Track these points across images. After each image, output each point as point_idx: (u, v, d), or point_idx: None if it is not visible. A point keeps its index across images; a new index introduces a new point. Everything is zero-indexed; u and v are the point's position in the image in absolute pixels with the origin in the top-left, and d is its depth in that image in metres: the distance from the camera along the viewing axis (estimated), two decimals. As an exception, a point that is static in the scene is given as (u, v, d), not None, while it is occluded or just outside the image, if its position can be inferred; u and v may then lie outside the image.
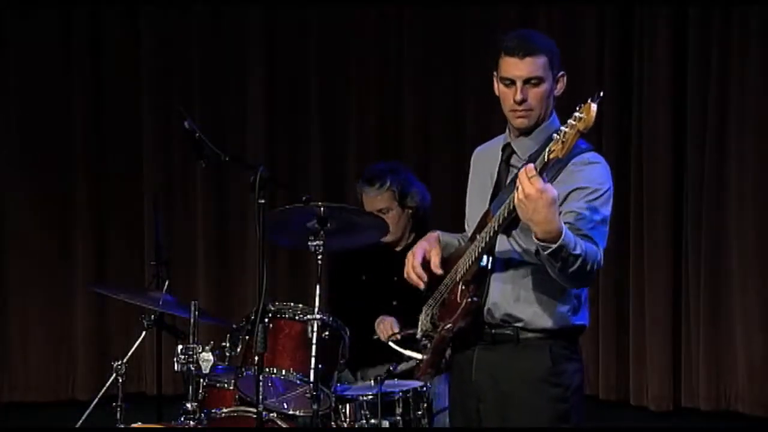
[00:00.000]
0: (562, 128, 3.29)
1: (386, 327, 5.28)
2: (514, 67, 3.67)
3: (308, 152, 7.33)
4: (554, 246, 3.40)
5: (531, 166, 3.38)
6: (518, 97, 3.66)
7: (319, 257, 4.67)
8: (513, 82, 3.68)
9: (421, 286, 3.79)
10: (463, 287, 3.64)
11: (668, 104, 6.77)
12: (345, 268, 5.58)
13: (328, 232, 4.68)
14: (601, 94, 3.24)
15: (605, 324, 6.88)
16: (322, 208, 4.67)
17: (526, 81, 3.67)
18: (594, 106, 3.23)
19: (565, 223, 3.49)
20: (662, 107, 6.77)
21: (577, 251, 3.43)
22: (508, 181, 3.72)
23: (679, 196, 6.80)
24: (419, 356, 3.85)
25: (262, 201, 4.36)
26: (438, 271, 3.76)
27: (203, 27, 7.39)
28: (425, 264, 3.80)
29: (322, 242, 4.64)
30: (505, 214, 3.50)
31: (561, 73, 3.72)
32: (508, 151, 3.80)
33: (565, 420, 3.68)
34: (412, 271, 3.80)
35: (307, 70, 7.33)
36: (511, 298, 3.67)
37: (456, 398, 3.88)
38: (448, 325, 3.67)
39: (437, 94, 7.25)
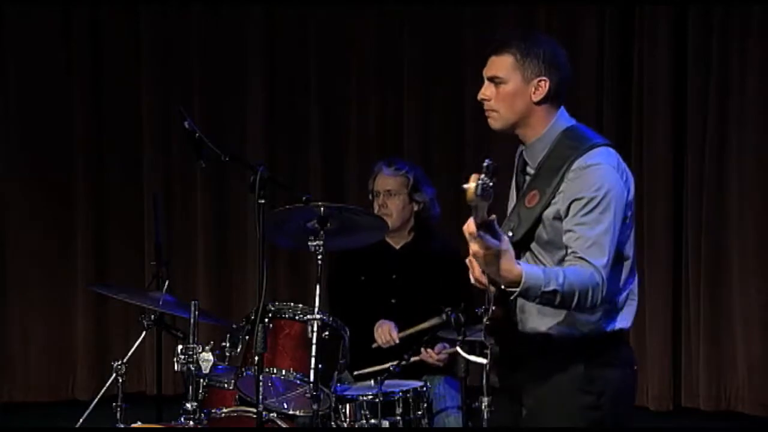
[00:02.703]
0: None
1: (384, 332, 5.28)
2: (486, 65, 3.65)
3: (308, 152, 7.34)
4: (518, 290, 3.35)
5: (471, 225, 3.26)
6: (479, 95, 3.63)
7: (319, 257, 4.67)
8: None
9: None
10: (494, 307, 3.61)
11: (668, 104, 6.78)
12: (344, 270, 5.58)
13: (328, 232, 4.68)
14: (486, 163, 3.15)
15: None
16: (322, 208, 4.67)
17: (490, 79, 3.62)
18: (470, 185, 3.14)
19: (565, 245, 3.46)
20: (662, 107, 6.78)
21: (550, 287, 3.36)
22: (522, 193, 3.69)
23: (679, 197, 6.81)
24: (483, 361, 3.84)
25: (262, 201, 4.36)
26: (480, 279, 3.67)
27: (203, 27, 7.39)
28: None
29: (322, 242, 4.64)
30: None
31: (540, 78, 3.57)
32: (521, 159, 3.72)
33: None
34: (478, 282, 3.61)
35: (307, 70, 7.33)
36: (536, 313, 3.60)
37: (503, 402, 3.82)
38: (492, 342, 3.67)
39: (437, 94, 7.25)
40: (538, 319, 3.61)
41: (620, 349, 3.66)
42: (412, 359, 5.11)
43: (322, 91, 7.33)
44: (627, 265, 3.61)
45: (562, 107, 3.67)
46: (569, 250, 3.48)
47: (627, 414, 3.68)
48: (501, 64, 3.60)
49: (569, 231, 3.49)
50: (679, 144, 6.80)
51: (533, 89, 3.59)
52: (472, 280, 3.64)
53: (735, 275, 6.63)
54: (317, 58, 7.32)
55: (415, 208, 5.51)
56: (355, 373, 5.23)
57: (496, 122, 3.64)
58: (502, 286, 3.41)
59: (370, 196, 5.55)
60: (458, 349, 4.60)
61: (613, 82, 6.90)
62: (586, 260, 3.44)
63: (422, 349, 5.22)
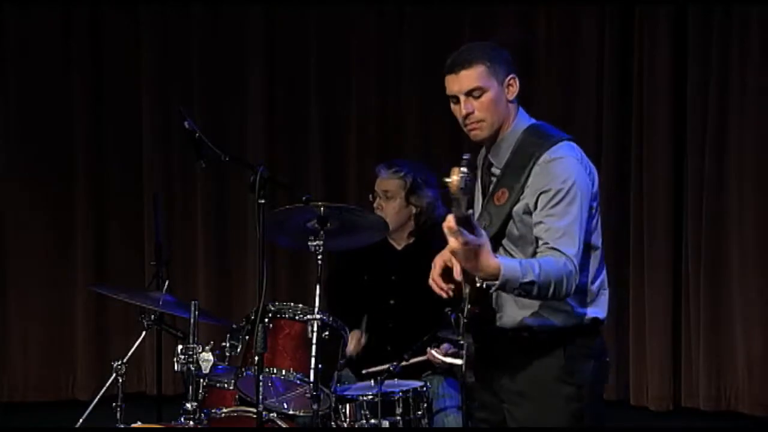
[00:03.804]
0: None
1: (354, 340, 5.29)
2: (453, 83, 3.77)
3: (308, 152, 7.34)
4: (497, 283, 3.45)
5: (451, 220, 3.38)
6: (463, 111, 3.72)
7: (319, 257, 4.67)
8: (458, 99, 3.75)
9: (444, 295, 3.79)
10: (469, 306, 3.64)
11: (668, 104, 6.78)
12: (345, 269, 5.58)
13: (328, 232, 4.69)
14: (466, 157, 3.31)
15: (605, 324, 6.86)
16: (322, 208, 4.67)
17: (468, 94, 3.72)
18: (453, 178, 3.31)
19: (536, 237, 3.57)
20: (662, 107, 6.78)
21: (528, 279, 3.46)
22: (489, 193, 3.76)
23: (679, 197, 6.81)
24: (460, 362, 3.87)
25: (262, 201, 4.36)
26: (458, 278, 3.75)
27: (203, 27, 7.39)
28: (449, 272, 3.79)
29: (322, 242, 4.65)
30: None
31: (510, 76, 3.72)
32: (487, 162, 3.83)
33: (579, 419, 3.70)
34: (433, 282, 3.80)
35: (307, 70, 7.33)
36: (516, 306, 3.68)
37: (484, 400, 3.88)
38: (469, 341, 3.70)
39: (437, 94, 7.23)
40: (516, 314, 3.69)
41: (595, 341, 3.78)
42: (416, 360, 5.11)
43: (322, 91, 7.32)
44: (596, 255, 3.73)
45: (521, 107, 3.81)
46: (540, 242, 3.59)
47: (601, 404, 3.79)
48: (475, 75, 3.74)
49: (539, 223, 3.60)
50: (679, 144, 6.80)
51: (506, 89, 3.74)
52: (433, 286, 3.76)
53: (735, 275, 6.63)
54: (317, 58, 7.32)
55: (413, 210, 5.49)
56: (364, 371, 5.23)
57: (483, 132, 3.75)
58: (480, 283, 3.49)
59: (371, 197, 5.55)
60: (433, 352, 4.62)
61: (613, 82, 6.90)
62: (559, 250, 3.55)
63: (428, 350, 5.22)
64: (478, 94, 3.71)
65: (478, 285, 3.54)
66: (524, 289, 3.48)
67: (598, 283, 3.75)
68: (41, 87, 7.37)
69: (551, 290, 3.51)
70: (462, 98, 3.73)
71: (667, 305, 6.80)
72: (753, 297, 6.59)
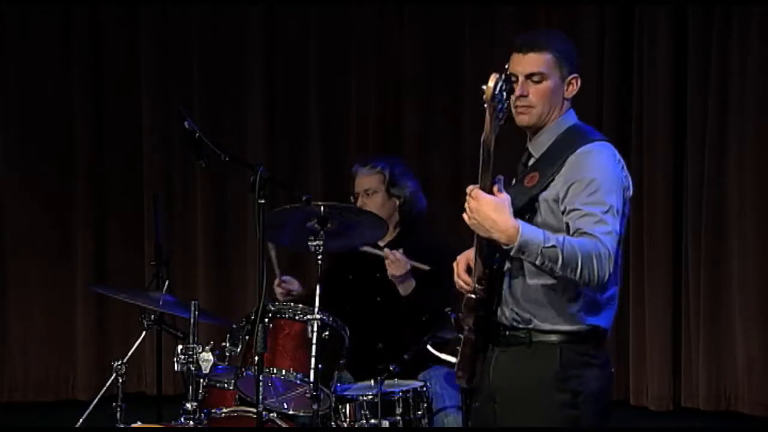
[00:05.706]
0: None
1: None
2: (517, 62, 3.68)
3: (308, 152, 7.34)
4: (515, 244, 3.42)
5: (471, 186, 3.45)
6: (517, 92, 3.66)
7: (319, 257, 4.67)
8: (517, 78, 3.68)
9: (468, 291, 3.75)
10: (478, 286, 3.63)
11: (668, 104, 6.78)
12: (335, 269, 5.57)
13: (328, 232, 4.69)
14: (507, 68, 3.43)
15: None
16: (322, 208, 4.67)
17: (528, 76, 3.67)
18: (489, 84, 3.38)
19: (568, 224, 3.52)
20: (662, 107, 6.78)
21: (551, 243, 3.41)
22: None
23: (679, 196, 6.81)
24: (453, 359, 3.83)
25: (262, 201, 4.36)
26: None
27: (203, 27, 7.39)
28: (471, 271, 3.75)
29: (322, 242, 4.65)
30: None
31: (573, 75, 3.68)
32: (525, 154, 3.78)
33: (575, 425, 3.60)
34: (459, 279, 3.74)
35: (307, 70, 7.33)
36: (521, 296, 3.63)
37: (475, 400, 3.84)
38: (465, 327, 3.68)
39: (437, 94, 7.25)
40: (524, 305, 3.63)
41: (595, 349, 3.67)
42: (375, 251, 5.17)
43: (322, 91, 7.33)
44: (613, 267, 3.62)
45: (572, 108, 3.77)
46: (573, 227, 3.52)
47: (605, 415, 3.69)
48: (541, 61, 3.67)
49: (574, 210, 3.54)
50: (679, 144, 6.81)
51: (566, 86, 3.70)
52: (459, 283, 3.71)
53: (735, 275, 6.63)
54: (317, 58, 7.32)
55: (397, 202, 5.50)
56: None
57: (530, 118, 3.70)
58: (495, 264, 3.49)
59: (352, 199, 5.54)
60: (429, 347, 4.60)
61: (613, 82, 6.91)
62: (592, 234, 3.48)
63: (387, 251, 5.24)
64: (538, 79, 3.66)
65: (493, 266, 3.53)
66: (548, 257, 3.41)
67: (608, 294, 3.65)
68: (41, 87, 7.38)
69: (579, 268, 3.42)
70: (521, 79, 3.66)
71: (667, 305, 6.81)
72: (753, 297, 6.59)
